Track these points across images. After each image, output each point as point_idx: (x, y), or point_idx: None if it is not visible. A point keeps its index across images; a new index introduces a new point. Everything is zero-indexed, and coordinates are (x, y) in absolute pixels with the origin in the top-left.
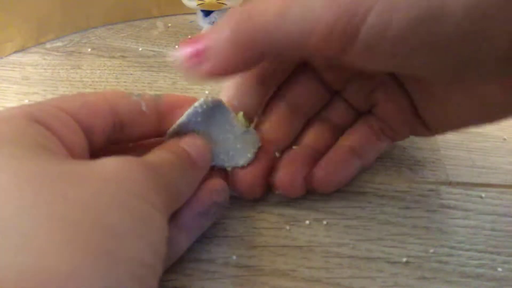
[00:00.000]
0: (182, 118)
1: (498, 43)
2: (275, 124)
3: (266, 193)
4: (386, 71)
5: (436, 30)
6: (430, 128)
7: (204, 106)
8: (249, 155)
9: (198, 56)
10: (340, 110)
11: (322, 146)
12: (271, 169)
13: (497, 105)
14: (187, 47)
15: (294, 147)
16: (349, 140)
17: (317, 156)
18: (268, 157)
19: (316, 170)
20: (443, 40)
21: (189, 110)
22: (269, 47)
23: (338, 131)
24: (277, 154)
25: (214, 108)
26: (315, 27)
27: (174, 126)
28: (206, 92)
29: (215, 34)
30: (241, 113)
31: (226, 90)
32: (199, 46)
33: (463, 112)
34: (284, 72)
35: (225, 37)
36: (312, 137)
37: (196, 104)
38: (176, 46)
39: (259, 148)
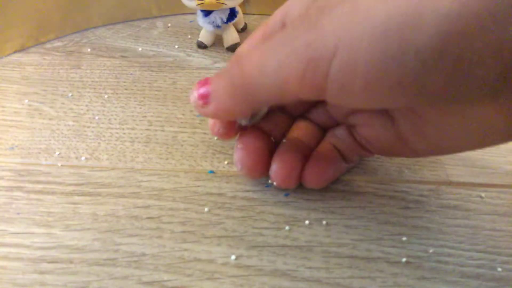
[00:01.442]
0: None
1: (482, 72)
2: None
3: (265, 193)
4: (372, 108)
5: (405, 63)
6: (418, 153)
7: None
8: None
9: (204, 98)
10: (323, 114)
11: (310, 141)
12: (270, 151)
13: (493, 128)
14: (197, 89)
15: (284, 140)
16: (333, 139)
17: (306, 149)
18: (266, 139)
19: (306, 168)
20: (414, 74)
21: None
22: (258, 98)
23: (323, 129)
24: (273, 139)
25: None
26: (288, 78)
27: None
28: None
29: (218, 82)
30: None
31: None
32: (205, 90)
33: (455, 137)
34: None
35: (224, 90)
36: (300, 132)
37: None
38: (176, 46)
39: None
